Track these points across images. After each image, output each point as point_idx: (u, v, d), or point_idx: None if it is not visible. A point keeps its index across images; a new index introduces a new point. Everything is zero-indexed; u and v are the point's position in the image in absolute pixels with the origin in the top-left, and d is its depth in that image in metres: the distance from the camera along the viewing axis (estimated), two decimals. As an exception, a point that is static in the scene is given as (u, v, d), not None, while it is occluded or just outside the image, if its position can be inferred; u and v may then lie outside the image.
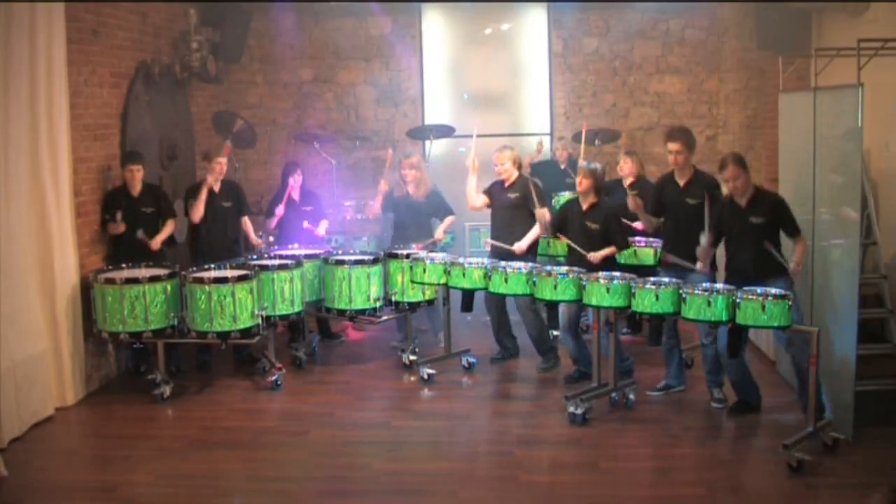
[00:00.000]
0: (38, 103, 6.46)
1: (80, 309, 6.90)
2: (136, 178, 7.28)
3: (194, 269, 7.05)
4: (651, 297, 5.86)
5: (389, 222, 8.52)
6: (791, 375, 6.67)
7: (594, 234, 6.77)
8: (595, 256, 6.68)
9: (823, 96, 6.29)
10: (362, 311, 7.48)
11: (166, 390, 6.84)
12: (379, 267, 7.50)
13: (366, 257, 7.56)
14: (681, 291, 5.75)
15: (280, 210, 8.11)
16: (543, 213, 7.09)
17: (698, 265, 6.20)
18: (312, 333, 8.22)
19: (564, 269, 6.48)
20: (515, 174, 7.39)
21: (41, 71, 6.46)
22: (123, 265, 7.09)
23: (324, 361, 7.92)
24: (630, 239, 7.27)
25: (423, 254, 7.32)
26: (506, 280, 6.53)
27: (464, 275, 6.76)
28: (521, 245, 7.21)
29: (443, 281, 6.97)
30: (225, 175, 7.73)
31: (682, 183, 6.49)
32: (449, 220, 8.03)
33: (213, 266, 7.15)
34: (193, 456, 5.85)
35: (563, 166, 9.54)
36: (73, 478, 5.61)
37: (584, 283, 6.17)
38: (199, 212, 7.49)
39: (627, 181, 7.98)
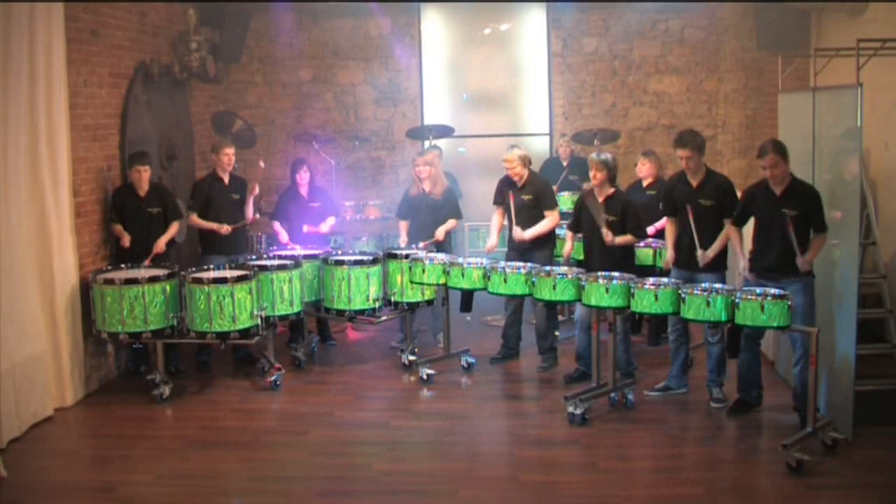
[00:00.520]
0: (38, 103, 6.46)
1: (80, 309, 6.90)
2: (144, 178, 7.28)
3: (194, 269, 7.06)
4: (650, 298, 5.86)
5: (389, 224, 8.54)
6: (790, 375, 6.67)
7: (612, 226, 6.74)
8: (609, 236, 6.65)
9: (823, 96, 6.29)
10: (361, 312, 7.47)
11: (165, 390, 6.84)
12: (378, 267, 7.50)
13: (365, 257, 7.56)
14: (680, 292, 5.75)
15: (283, 234, 8.10)
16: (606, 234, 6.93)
17: (700, 253, 6.24)
18: (312, 334, 8.21)
19: (563, 269, 6.48)
20: (526, 173, 7.36)
21: (40, 71, 6.46)
22: (122, 265, 7.10)
23: (323, 361, 7.92)
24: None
25: (422, 254, 7.32)
26: (505, 280, 6.53)
27: (463, 275, 6.76)
28: (522, 234, 7.20)
29: (442, 281, 6.97)
30: (233, 168, 7.74)
31: (694, 183, 6.46)
32: (452, 222, 8.02)
33: (212, 266, 7.15)
34: (193, 456, 5.85)
35: (565, 163, 9.55)
36: (73, 478, 5.61)
37: (583, 283, 6.17)
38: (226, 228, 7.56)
39: (646, 182, 7.97)
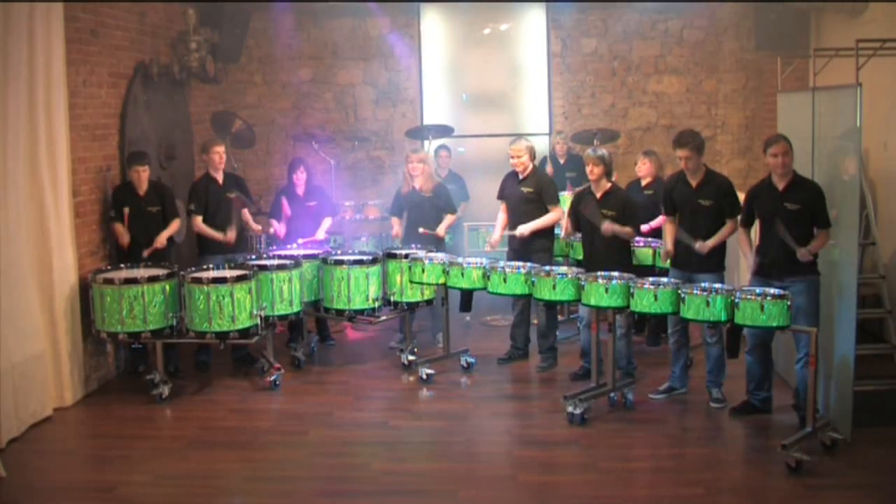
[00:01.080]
0: (37, 103, 6.45)
1: (79, 309, 6.89)
2: (143, 178, 7.28)
3: (193, 268, 7.05)
4: (650, 297, 5.85)
5: (388, 223, 8.53)
6: (789, 375, 6.67)
7: (611, 221, 6.74)
8: (608, 228, 6.64)
9: (822, 96, 6.29)
10: (361, 312, 7.47)
11: (165, 390, 6.84)
12: (378, 267, 7.49)
13: (364, 257, 7.55)
14: (679, 291, 5.75)
15: (280, 229, 8.09)
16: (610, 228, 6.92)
17: (698, 244, 6.24)
18: (311, 334, 8.21)
19: (563, 268, 6.48)
20: (531, 167, 7.36)
21: (40, 71, 6.45)
22: (122, 265, 7.09)
23: (322, 361, 7.92)
24: (635, 239, 7.29)
25: (421, 254, 7.31)
26: (504, 280, 6.53)
27: (462, 275, 6.76)
28: (523, 229, 7.20)
29: (441, 281, 6.97)
30: (225, 166, 7.72)
31: (694, 183, 6.46)
32: (451, 218, 8.02)
33: (211, 266, 7.15)
34: (192, 456, 5.84)
35: (562, 161, 9.55)
36: (72, 478, 5.60)
37: (582, 283, 6.16)
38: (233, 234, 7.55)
39: (645, 181, 7.97)
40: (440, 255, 7.20)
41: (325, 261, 7.51)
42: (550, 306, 7.33)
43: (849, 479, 5.30)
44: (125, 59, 7.89)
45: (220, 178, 7.64)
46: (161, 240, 7.28)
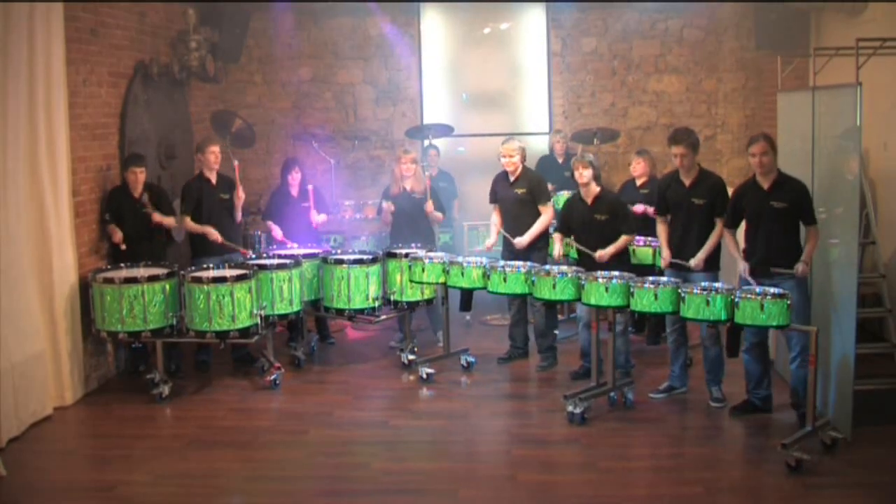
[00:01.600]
0: (37, 103, 6.45)
1: (79, 308, 6.89)
2: (139, 179, 7.28)
3: (193, 268, 7.05)
4: (650, 297, 5.85)
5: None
6: (789, 375, 6.67)
7: (603, 226, 6.76)
8: (603, 255, 6.69)
9: (822, 96, 6.28)
10: (361, 311, 7.47)
11: (165, 390, 6.84)
12: (378, 266, 7.49)
13: (364, 257, 7.55)
14: (679, 291, 5.75)
15: (278, 231, 8.09)
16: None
17: (693, 262, 6.25)
18: (311, 333, 8.20)
19: (564, 268, 6.47)
20: (521, 167, 7.36)
21: (40, 71, 6.45)
22: (122, 265, 7.09)
23: (322, 361, 7.92)
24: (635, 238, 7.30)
25: (421, 253, 7.31)
26: (504, 279, 6.53)
27: (462, 274, 6.76)
28: (521, 241, 7.20)
29: (441, 280, 6.96)
30: (220, 166, 7.71)
31: (687, 182, 6.46)
32: (439, 215, 8.03)
33: (211, 266, 7.15)
34: (192, 455, 5.84)
35: (560, 160, 9.54)
36: (72, 477, 5.60)
37: (582, 282, 6.16)
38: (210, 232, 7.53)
39: (640, 181, 7.98)
40: (440, 255, 7.20)
41: (325, 260, 7.51)
42: (549, 306, 7.33)
43: (849, 479, 5.30)
44: (125, 58, 7.89)
45: (213, 178, 7.63)
46: (157, 216, 7.26)
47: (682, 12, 10.35)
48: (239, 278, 6.79)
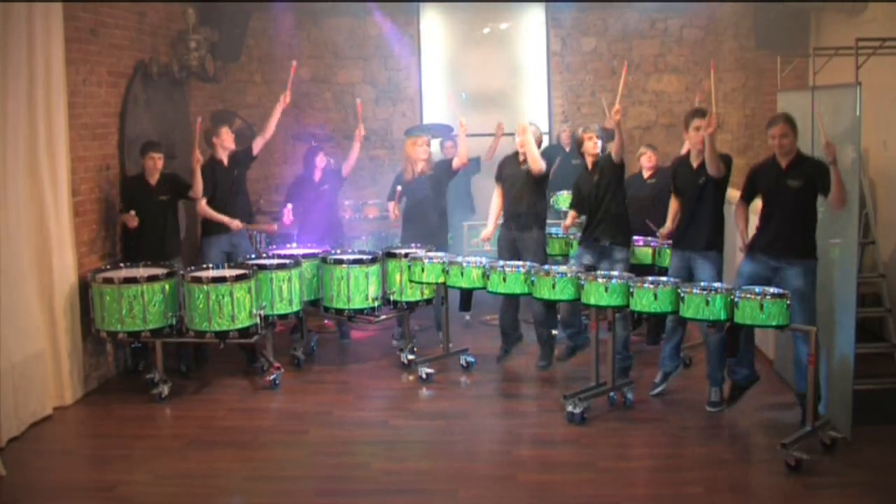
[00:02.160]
0: (37, 102, 6.45)
1: (79, 308, 6.89)
2: (157, 165, 7.32)
3: (193, 268, 7.06)
4: (649, 297, 5.85)
5: (388, 223, 8.54)
6: (789, 375, 6.67)
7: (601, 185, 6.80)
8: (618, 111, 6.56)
9: (821, 95, 6.29)
10: (360, 311, 7.47)
11: (164, 390, 6.84)
12: (377, 266, 7.49)
13: (364, 256, 7.55)
14: (679, 291, 5.75)
15: (288, 215, 8.11)
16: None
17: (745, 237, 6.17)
18: (311, 332, 8.20)
19: (563, 268, 6.47)
20: (528, 148, 7.18)
21: (39, 70, 6.44)
22: (122, 265, 7.10)
23: (322, 361, 7.91)
24: (635, 238, 7.30)
25: (421, 253, 7.31)
26: (504, 279, 6.52)
27: (462, 274, 6.76)
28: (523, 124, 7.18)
29: (441, 280, 6.96)
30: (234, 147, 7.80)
31: (695, 164, 6.40)
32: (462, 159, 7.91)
33: (210, 265, 7.15)
34: (192, 455, 5.84)
35: (567, 149, 9.54)
36: (72, 477, 5.60)
37: (582, 282, 6.16)
38: (198, 188, 7.51)
39: (647, 173, 7.98)
40: (439, 255, 7.20)
41: (324, 260, 7.51)
42: (548, 305, 7.32)
43: (848, 478, 5.30)
44: (125, 58, 7.89)
45: (225, 159, 7.71)
46: (197, 154, 7.32)
47: (681, 12, 10.36)
48: (238, 278, 6.79)
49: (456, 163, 7.89)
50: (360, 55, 10.62)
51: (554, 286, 6.26)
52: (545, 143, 10.38)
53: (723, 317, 5.57)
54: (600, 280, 6.06)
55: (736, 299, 5.50)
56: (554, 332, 7.72)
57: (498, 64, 10.65)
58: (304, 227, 8.25)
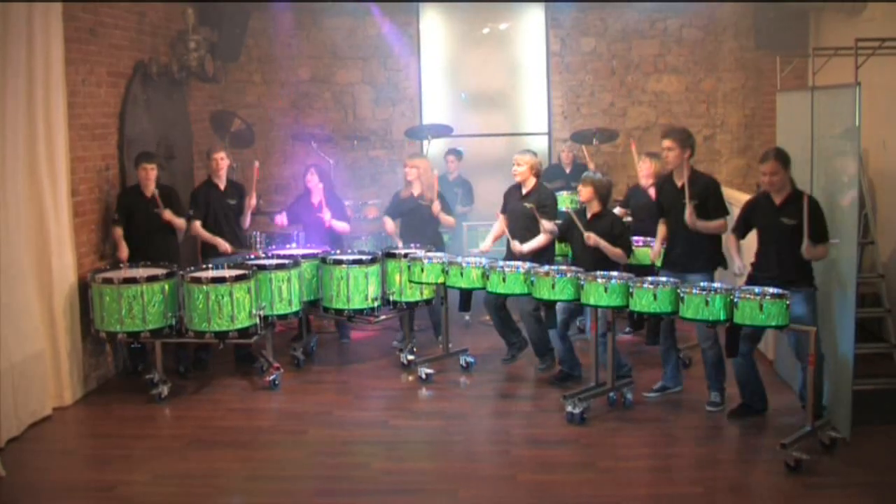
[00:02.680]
0: (36, 103, 6.45)
1: (78, 309, 6.89)
2: (150, 176, 7.29)
3: (192, 268, 7.06)
4: (649, 297, 5.85)
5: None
6: (789, 375, 6.67)
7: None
8: (593, 239, 6.62)
9: (821, 95, 6.29)
10: (360, 311, 7.47)
11: (164, 390, 6.84)
12: (377, 266, 7.49)
13: (363, 257, 7.55)
14: (679, 291, 5.75)
15: (281, 219, 8.12)
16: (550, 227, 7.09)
17: (737, 262, 6.17)
18: (311, 333, 8.20)
19: (563, 268, 6.47)
20: (533, 182, 7.24)
21: (39, 70, 6.45)
22: (121, 265, 7.09)
23: (322, 361, 7.92)
24: (634, 238, 7.33)
25: (420, 253, 7.31)
26: (504, 279, 6.53)
27: (461, 274, 6.76)
28: (520, 247, 7.12)
29: (440, 280, 6.97)
30: (227, 172, 7.75)
31: (679, 184, 6.42)
32: (451, 220, 8.04)
33: (210, 266, 7.16)
34: (191, 455, 5.84)
35: (568, 170, 9.53)
36: (71, 477, 5.61)
37: (581, 282, 6.16)
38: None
39: (647, 182, 7.96)
40: (439, 255, 7.20)
41: (324, 260, 7.51)
42: (550, 306, 7.31)
43: (848, 478, 5.31)
44: (124, 58, 7.89)
45: (221, 184, 7.66)
46: (166, 214, 7.28)
47: (681, 12, 10.37)
48: (238, 278, 6.79)
49: (435, 210, 7.87)
50: (359, 55, 10.62)
51: (553, 286, 6.26)
52: (543, 146, 10.46)
53: (722, 317, 5.58)
54: (600, 280, 6.06)
55: (735, 299, 5.50)
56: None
57: (498, 64, 10.65)
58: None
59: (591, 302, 6.13)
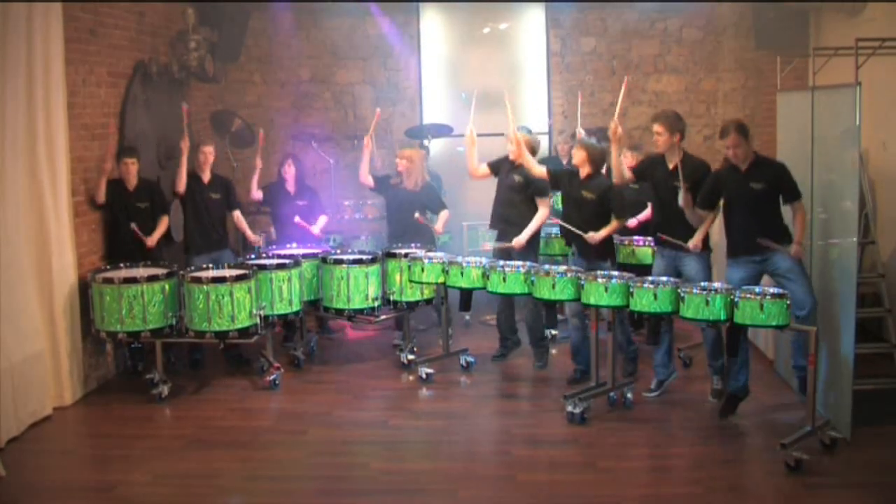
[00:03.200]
0: (36, 103, 6.45)
1: (78, 309, 6.89)
2: (132, 171, 7.29)
3: (192, 267, 7.06)
4: (649, 297, 5.85)
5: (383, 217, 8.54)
6: (789, 375, 6.67)
7: (590, 205, 6.72)
8: (594, 237, 6.65)
9: (821, 95, 6.29)
10: (360, 311, 7.47)
11: (164, 390, 6.83)
12: (377, 266, 7.49)
13: (364, 257, 7.55)
14: (679, 291, 5.75)
15: (257, 193, 8.13)
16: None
17: (691, 244, 6.22)
18: (311, 333, 8.20)
19: (563, 268, 6.46)
20: (521, 159, 7.21)
21: (38, 70, 6.44)
22: (122, 265, 7.09)
23: (322, 361, 7.91)
24: (629, 238, 7.32)
25: (421, 253, 7.30)
26: (504, 279, 6.52)
27: (462, 274, 6.75)
28: (519, 240, 7.15)
29: (441, 280, 6.96)
30: (212, 165, 7.70)
31: (670, 166, 6.40)
32: (445, 214, 8.00)
33: (211, 266, 7.15)
34: (191, 455, 5.84)
35: (565, 161, 9.53)
36: (71, 477, 5.61)
37: (582, 282, 6.16)
38: (181, 181, 7.49)
39: (629, 176, 7.94)
40: (439, 255, 7.19)
41: (324, 260, 7.51)
42: (549, 305, 7.32)
43: (848, 478, 5.30)
44: (124, 58, 7.89)
45: (205, 177, 7.63)
46: (152, 240, 7.29)
47: (681, 12, 10.35)
48: (238, 278, 6.79)
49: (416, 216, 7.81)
50: (359, 55, 10.61)
51: (554, 286, 6.26)
52: (544, 144, 10.43)
53: (723, 317, 5.57)
54: (600, 280, 6.05)
55: (736, 299, 5.50)
56: (553, 332, 7.73)
57: (498, 64, 10.63)
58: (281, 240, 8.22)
59: (592, 302, 6.12)
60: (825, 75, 6.69)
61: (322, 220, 8.26)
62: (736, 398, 6.27)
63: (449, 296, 7.47)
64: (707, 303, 5.58)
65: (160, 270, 6.91)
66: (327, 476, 5.53)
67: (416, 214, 7.75)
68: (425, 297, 7.62)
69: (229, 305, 6.71)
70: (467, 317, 8.71)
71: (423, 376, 7.21)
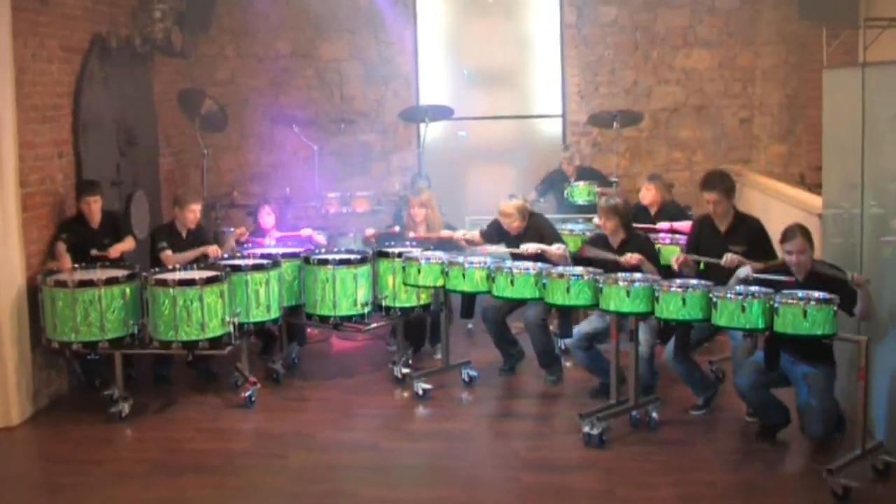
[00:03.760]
0: (-21, 80, 6.48)
1: (27, 315, 6.90)
2: (94, 210, 7.36)
3: (157, 269, 7.07)
4: (677, 302, 5.86)
5: (382, 216, 8.56)
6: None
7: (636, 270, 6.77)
8: (630, 257, 6.66)
9: (873, 72, 6.30)
10: (348, 318, 7.48)
11: (125, 408, 6.85)
12: (367, 267, 7.51)
13: (352, 256, 7.57)
14: (711, 295, 5.76)
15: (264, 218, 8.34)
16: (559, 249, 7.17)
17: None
18: (293, 343, 8.22)
19: (579, 269, 6.47)
20: (523, 226, 7.40)
21: (-18, 44, 6.47)
22: (76, 266, 7.10)
23: (304, 375, 7.93)
24: (654, 237, 7.41)
25: (417, 252, 7.32)
26: (512, 282, 6.53)
27: (464, 276, 6.77)
28: (528, 246, 7.20)
29: (440, 283, 6.98)
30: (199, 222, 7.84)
31: (723, 229, 6.62)
32: (447, 233, 8.14)
33: (178, 266, 7.17)
34: (155, 482, 5.86)
35: (572, 179, 9.57)
36: (19, 507, 5.63)
37: (600, 285, 6.16)
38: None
39: (653, 210, 8.10)
40: (438, 255, 7.20)
41: (307, 260, 7.53)
42: (564, 312, 7.34)
43: (903, 509, 5.33)
44: (80, 30, 7.91)
45: (184, 233, 7.75)
46: (115, 251, 7.35)
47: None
48: (209, 281, 6.80)
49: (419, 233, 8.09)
50: (346, 27, 10.63)
51: (568, 290, 6.27)
52: (557, 131, 10.46)
53: (760, 325, 5.59)
54: (621, 283, 6.07)
55: (776, 305, 5.51)
56: (566, 342, 7.75)
57: (504, 37, 10.67)
58: None
59: (612, 308, 6.14)
60: (878, 50, 6.70)
61: (307, 231, 8.33)
62: (777, 426, 6.30)
63: (450, 301, 7.50)
64: (743, 309, 5.60)
65: (120, 272, 6.93)
66: (310, 506, 5.56)
67: (412, 234, 8.02)
68: (422, 302, 7.63)
69: (199, 312, 6.73)
70: (470, 325, 8.72)
71: (420, 392, 7.23)
